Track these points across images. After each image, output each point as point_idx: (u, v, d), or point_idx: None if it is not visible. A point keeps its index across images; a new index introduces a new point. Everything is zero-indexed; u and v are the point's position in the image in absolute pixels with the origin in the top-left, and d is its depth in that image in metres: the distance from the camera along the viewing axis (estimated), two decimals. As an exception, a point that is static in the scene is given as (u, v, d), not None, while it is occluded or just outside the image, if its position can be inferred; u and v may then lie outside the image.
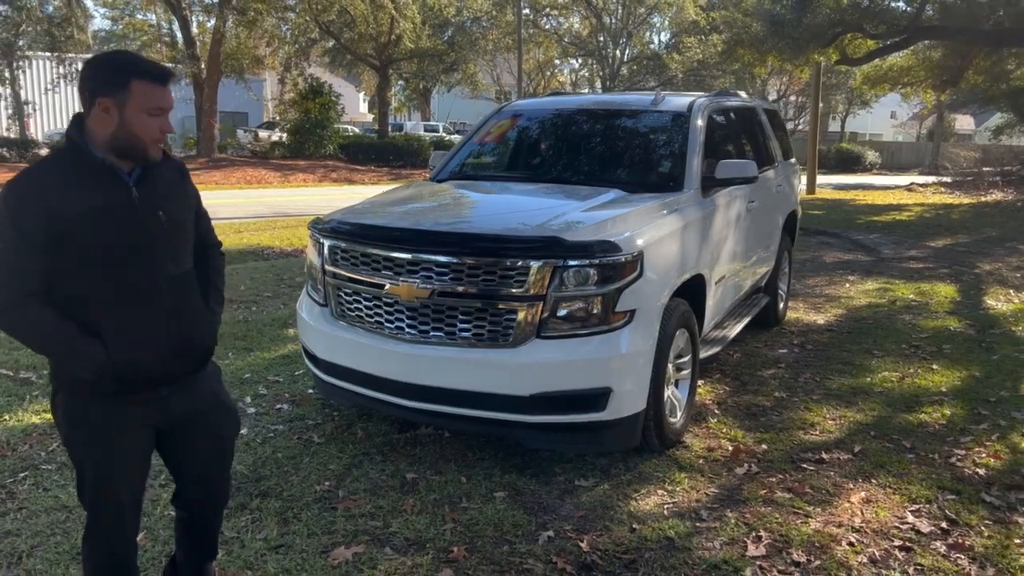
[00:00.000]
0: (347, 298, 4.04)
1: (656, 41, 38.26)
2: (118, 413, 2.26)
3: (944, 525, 3.52)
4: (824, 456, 4.20)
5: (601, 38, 35.74)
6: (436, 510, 3.46)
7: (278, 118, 33.09)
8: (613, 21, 35.88)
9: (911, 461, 4.17)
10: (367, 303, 3.94)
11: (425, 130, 37.50)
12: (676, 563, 3.13)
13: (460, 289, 3.67)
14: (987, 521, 3.56)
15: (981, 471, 4.07)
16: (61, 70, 27.51)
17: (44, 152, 26.27)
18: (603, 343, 3.64)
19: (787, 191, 6.60)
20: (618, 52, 36.02)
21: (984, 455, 4.25)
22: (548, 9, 36.51)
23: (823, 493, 3.79)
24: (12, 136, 26.71)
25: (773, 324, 6.72)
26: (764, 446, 4.33)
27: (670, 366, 4.23)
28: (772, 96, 42.29)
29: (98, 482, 2.28)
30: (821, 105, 45.29)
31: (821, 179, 29.58)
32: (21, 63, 27.26)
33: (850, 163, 39.69)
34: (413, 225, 3.91)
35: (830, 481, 3.92)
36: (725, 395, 5.14)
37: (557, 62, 39.86)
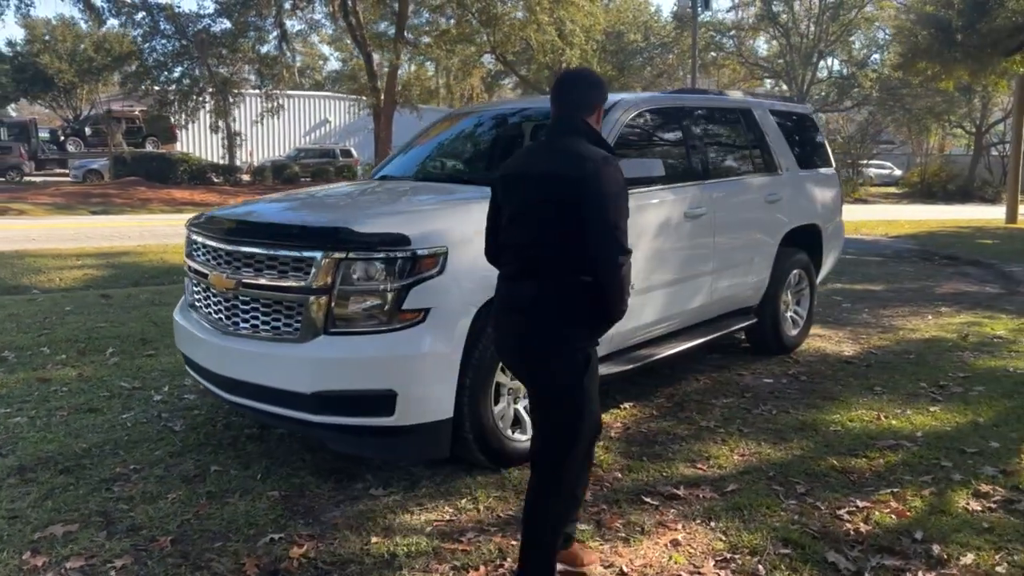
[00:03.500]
0: (193, 289, 4.14)
1: (857, 57, 35.45)
2: None
3: (743, 581, 2.92)
4: (681, 492, 3.65)
5: (789, 58, 33.81)
6: (193, 501, 3.42)
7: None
8: (803, 41, 33.85)
9: (786, 508, 3.51)
10: (203, 294, 4.01)
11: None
12: (370, 580, 2.86)
13: (258, 281, 3.63)
14: (804, 583, 2.91)
15: (865, 527, 3.34)
16: (268, 105, 30.72)
17: (246, 177, 29.39)
18: (386, 342, 3.42)
19: (792, 203, 5.83)
20: (808, 72, 33.89)
21: (888, 510, 3.48)
22: (733, 31, 35.24)
23: (633, 529, 3.29)
24: (223, 163, 30.13)
25: (775, 351, 5.96)
26: (620, 474, 3.85)
27: (509, 376, 3.90)
28: (997, 115, 37.71)
29: (594, 411, 2.65)
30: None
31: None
32: (235, 98, 30.70)
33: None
34: (229, 216, 3.93)
35: (657, 519, 3.39)
36: (642, 419, 4.64)
37: (743, 84, 38.16)
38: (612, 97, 4.79)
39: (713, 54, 37.46)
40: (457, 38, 27.23)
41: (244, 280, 3.66)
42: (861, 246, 14.07)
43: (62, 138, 35.61)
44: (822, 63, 35.62)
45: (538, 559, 2.62)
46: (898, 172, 40.76)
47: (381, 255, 3.42)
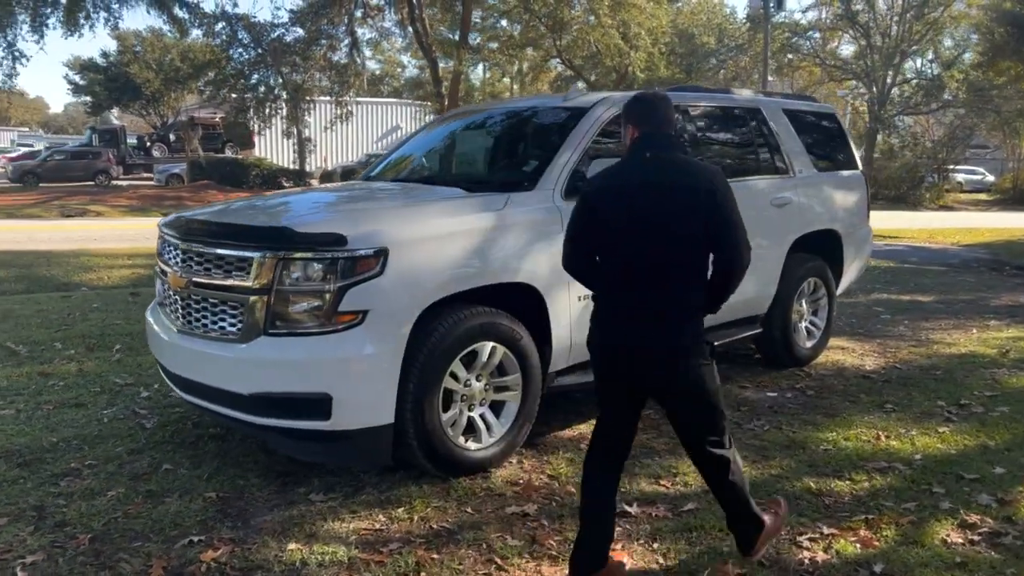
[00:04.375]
0: (161, 288, 4.17)
1: (946, 56, 33.64)
2: None
3: (662, 609, 2.72)
4: (633, 510, 3.45)
5: (870, 59, 32.43)
6: (130, 500, 3.42)
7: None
8: (884, 41, 32.42)
9: (742, 531, 3.27)
10: (167, 293, 4.02)
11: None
12: (272, 588, 2.78)
13: (205, 280, 3.62)
14: (728, 615, 2.69)
15: (822, 556, 3.08)
16: (338, 111, 31.35)
17: (315, 182, 30.07)
18: (321, 344, 3.35)
19: (805, 206, 5.50)
20: (890, 73, 32.42)
21: (855, 539, 3.21)
22: (811, 32, 34.08)
23: (566, 547, 3.11)
24: (295, 168, 30.91)
25: (787, 363, 5.63)
26: (573, 488, 3.66)
27: (476, 384, 3.77)
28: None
29: None
30: None
31: None
32: (308, 105, 31.43)
33: None
34: (189, 216, 3.94)
35: (597, 537, 3.21)
36: (621, 432, 4.42)
37: (822, 87, 36.86)
38: (595, 95, 4.65)
39: (791, 56, 36.32)
40: (520, 43, 27.21)
41: (194, 279, 3.66)
42: (926, 255, 13.33)
43: (148, 144, 37.29)
44: (908, 63, 34.04)
45: (749, 521, 2.91)
46: (991, 178, 38.67)
47: (317, 255, 3.35)
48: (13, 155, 39.46)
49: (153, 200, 22.97)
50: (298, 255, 3.37)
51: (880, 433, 4.41)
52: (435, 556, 3.03)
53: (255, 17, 29.42)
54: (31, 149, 42.90)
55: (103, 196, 24.60)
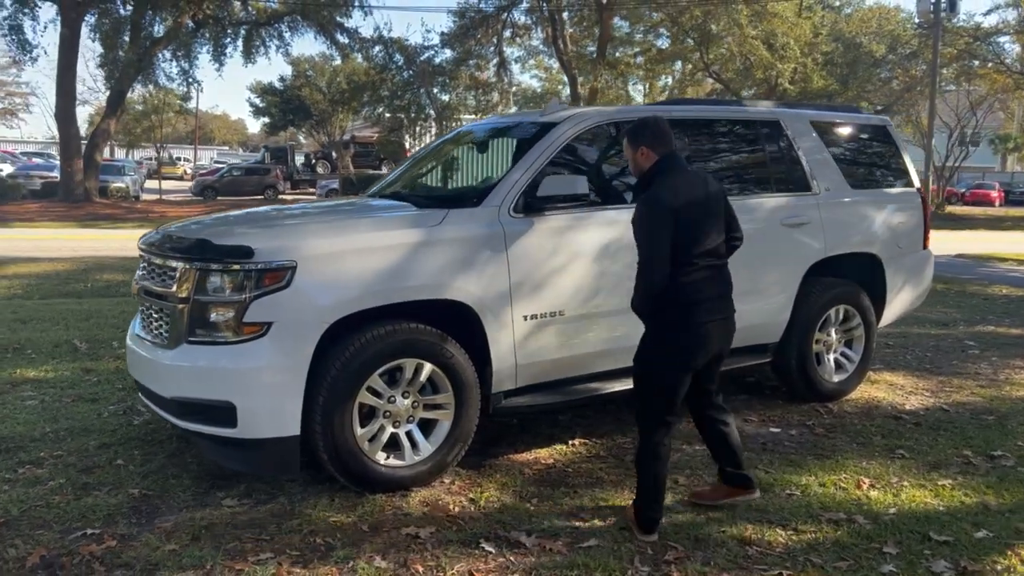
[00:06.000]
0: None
1: None
2: None
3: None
4: (528, 541, 3.29)
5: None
6: (62, 491, 3.66)
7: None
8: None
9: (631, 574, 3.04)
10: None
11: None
12: (119, 586, 2.89)
13: (149, 286, 3.84)
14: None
15: (699, 613, 2.79)
16: (483, 128, 32.24)
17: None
18: (226, 354, 3.45)
19: (830, 226, 4.99)
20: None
21: (749, 597, 2.89)
22: (992, 36, 31.02)
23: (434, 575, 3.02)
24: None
25: (808, 398, 5.14)
26: (483, 513, 3.54)
27: (401, 400, 3.74)
28: None
29: None
30: None
31: None
32: (455, 123, 32.58)
33: None
34: (163, 228, 4.17)
35: (472, 567, 3.09)
36: (579, 458, 4.25)
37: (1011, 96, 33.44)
38: (570, 111, 4.52)
39: (975, 62, 33.29)
40: (661, 58, 26.77)
41: (145, 287, 3.90)
42: (1083, 283, 11.73)
43: (313, 161, 40.04)
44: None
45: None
46: None
47: (226, 266, 3.47)
48: (203, 172, 43.68)
49: (302, 213, 24.58)
50: (210, 266, 3.50)
51: (864, 480, 3.93)
52: (296, 570, 3.03)
53: (408, 40, 30.77)
54: (220, 166, 47.31)
55: (262, 209, 26.58)
